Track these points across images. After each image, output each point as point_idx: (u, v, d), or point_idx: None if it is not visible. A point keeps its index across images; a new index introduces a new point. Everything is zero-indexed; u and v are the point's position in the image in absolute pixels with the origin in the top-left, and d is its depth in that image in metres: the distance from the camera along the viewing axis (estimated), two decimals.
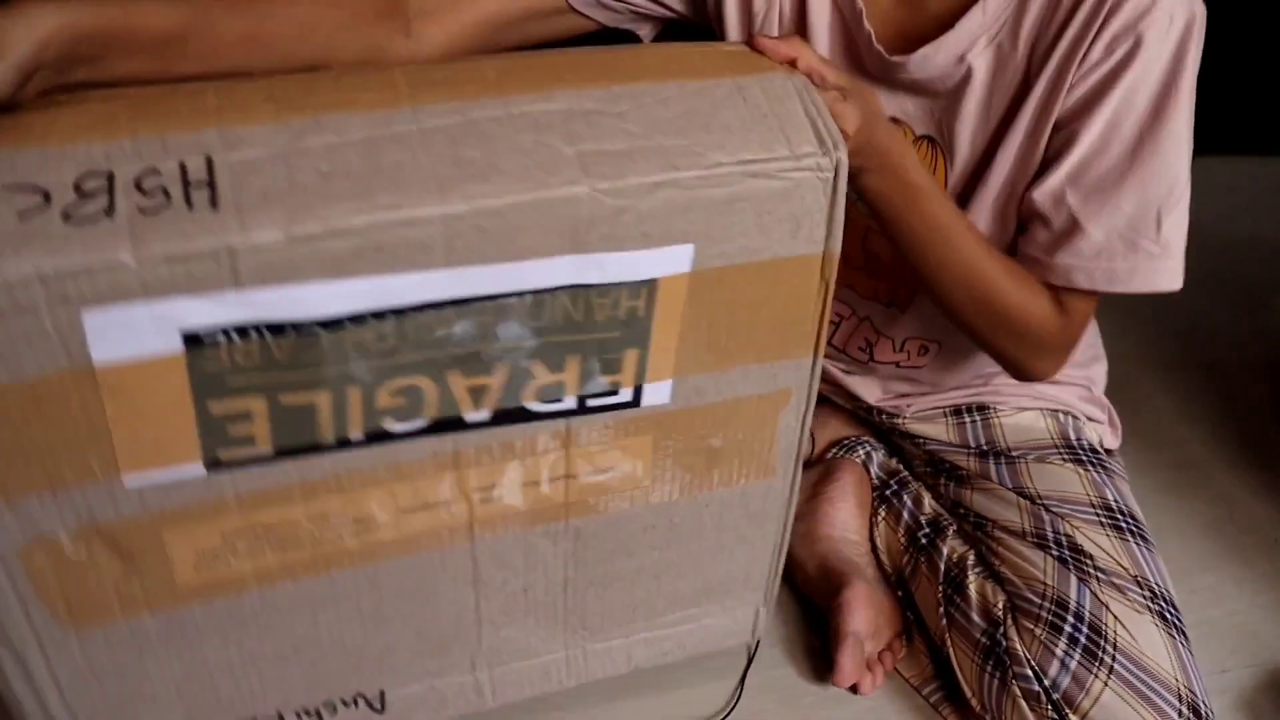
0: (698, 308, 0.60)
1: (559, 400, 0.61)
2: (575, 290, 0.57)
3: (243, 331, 0.52)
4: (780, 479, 0.72)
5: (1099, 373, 0.98)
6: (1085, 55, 0.72)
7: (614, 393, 0.62)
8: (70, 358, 0.50)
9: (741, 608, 0.79)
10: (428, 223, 0.51)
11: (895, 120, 0.81)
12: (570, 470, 0.65)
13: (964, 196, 0.82)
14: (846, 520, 0.95)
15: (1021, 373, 0.83)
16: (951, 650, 0.84)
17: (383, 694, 0.72)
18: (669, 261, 0.57)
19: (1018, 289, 0.77)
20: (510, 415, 0.61)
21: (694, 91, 0.58)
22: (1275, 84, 1.80)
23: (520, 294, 0.56)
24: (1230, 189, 1.76)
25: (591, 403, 0.62)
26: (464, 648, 0.72)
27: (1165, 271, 0.75)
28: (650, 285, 0.58)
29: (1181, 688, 0.75)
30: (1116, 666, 0.75)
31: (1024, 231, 0.79)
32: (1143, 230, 0.74)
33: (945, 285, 0.76)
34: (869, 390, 0.97)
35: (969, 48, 0.76)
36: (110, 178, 0.50)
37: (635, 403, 0.63)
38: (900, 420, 0.97)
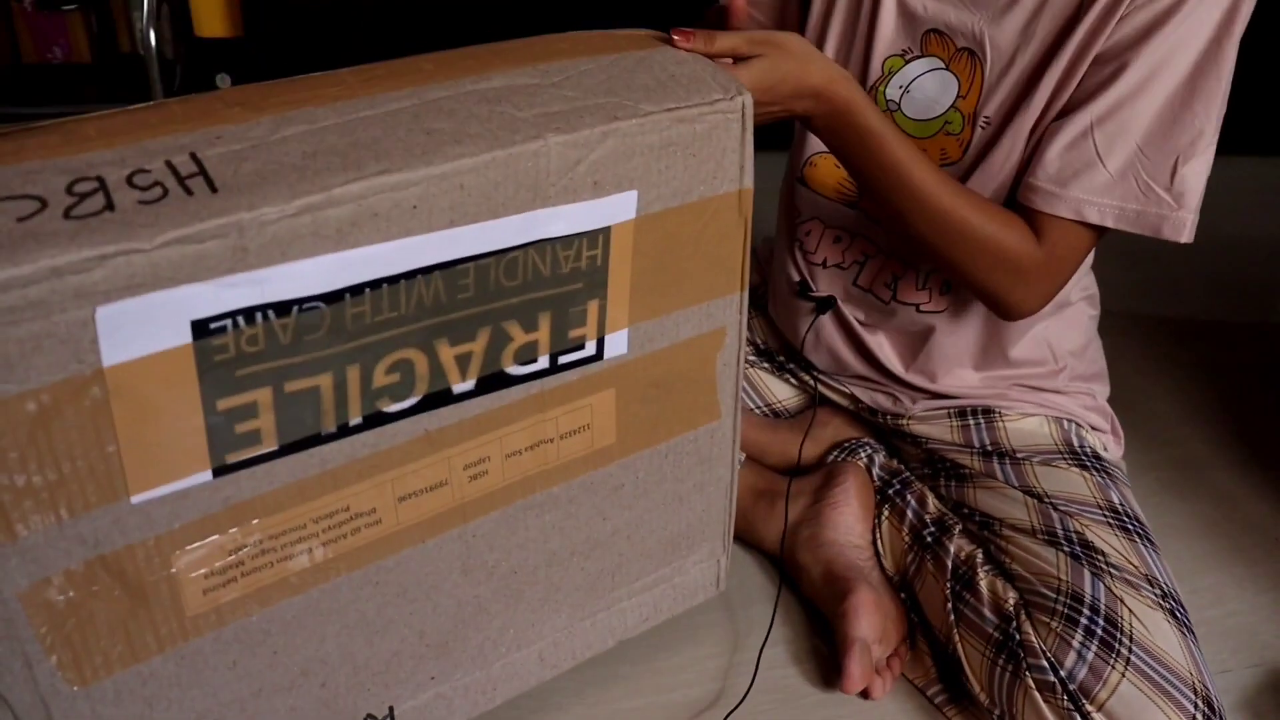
0: (643, 253, 0.67)
1: (534, 361, 0.66)
2: (543, 244, 0.62)
3: (249, 316, 0.53)
4: (725, 420, 0.78)
5: (1102, 389, 1.02)
6: None
7: (580, 346, 0.67)
8: (80, 361, 0.50)
9: (705, 560, 0.84)
10: (415, 184, 0.55)
11: (937, 33, 0.87)
12: (547, 434, 0.69)
13: (1005, 119, 0.84)
14: (850, 524, 0.96)
15: (1004, 306, 0.85)
16: (960, 645, 0.84)
17: (391, 710, 0.70)
18: (618, 209, 0.64)
19: (987, 220, 0.80)
20: (492, 382, 0.64)
21: (608, 64, 0.66)
22: (1275, 84, 1.82)
23: (498, 252, 0.60)
24: (1230, 189, 1.73)
25: (563, 359, 0.67)
26: (464, 646, 0.72)
27: (1172, 221, 0.79)
28: (605, 233, 0.64)
29: (1196, 682, 0.76)
30: (1133, 658, 0.76)
31: (1034, 159, 0.82)
32: (1157, 177, 0.78)
33: (909, 219, 0.80)
34: (883, 348, 0.98)
35: None
36: (101, 179, 0.51)
37: (599, 355, 0.68)
38: (904, 421, 1.00)
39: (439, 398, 0.63)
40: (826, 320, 1.03)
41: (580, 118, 0.61)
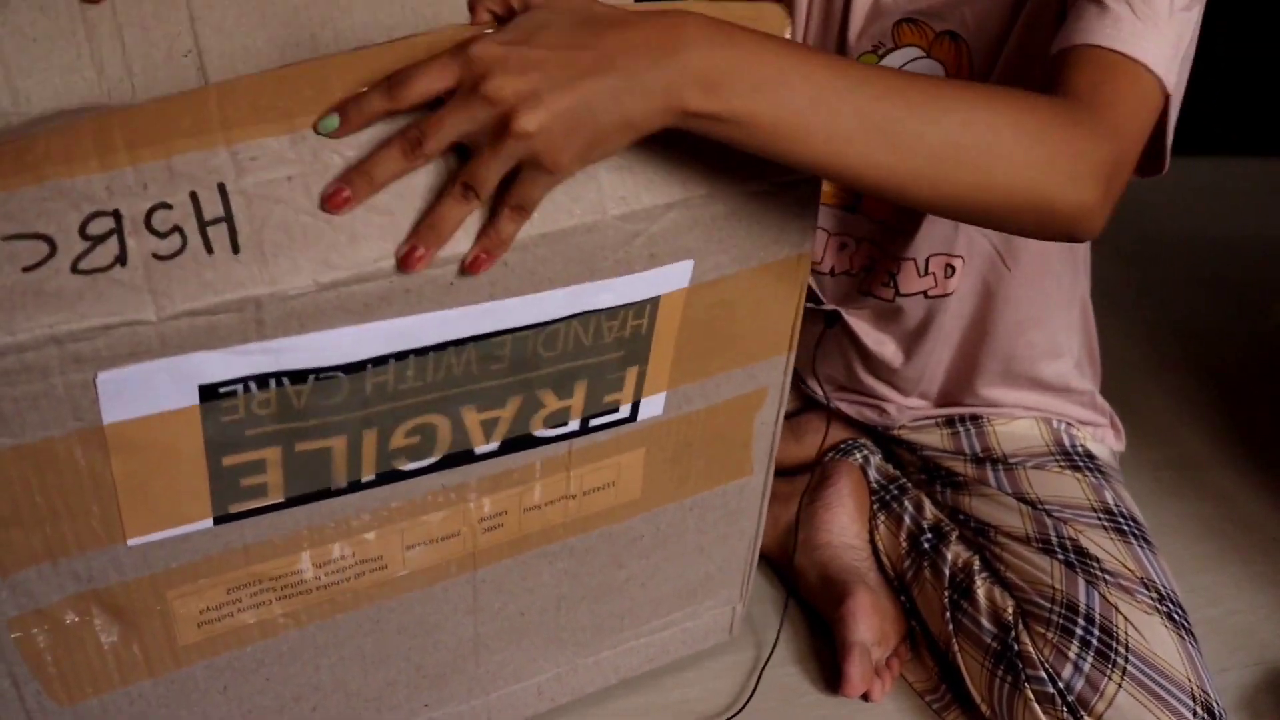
0: (691, 320, 0.62)
1: (564, 424, 0.62)
2: (587, 316, 0.57)
3: (262, 382, 0.50)
4: (757, 476, 0.75)
5: (1094, 374, 0.99)
6: None
7: (614, 410, 0.63)
8: (79, 419, 0.47)
9: (720, 607, 0.81)
10: (454, 261, 0.51)
11: (909, 21, 0.82)
12: (569, 490, 0.66)
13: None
14: (845, 525, 0.95)
15: (1066, 203, 0.59)
16: (959, 654, 0.84)
17: None
18: (671, 279, 0.59)
19: (1007, 106, 0.57)
20: (517, 443, 0.61)
21: None
22: (1275, 84, 1.79)
23: (538, 325, 0.56)
24: (1230, 189, 1.76)
25: (594, 422, 0.63)
26: (461, 677, 0.71)
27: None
28: (654, 303, 0.59)
29: (1194, 687, 0.75)
30: (1129, 668, 0.75)
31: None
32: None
33: (923, 178, 0.55)
34: (886, 349, 0.94)
35: None
36: (118, 216, 0.46)
37: (632, 418, 0.64)
38: (896, 430, 0.98)
39: (459, 457, 0.60)
40: (835, 331, 0.99)
41: (648, 187, 0.55)
